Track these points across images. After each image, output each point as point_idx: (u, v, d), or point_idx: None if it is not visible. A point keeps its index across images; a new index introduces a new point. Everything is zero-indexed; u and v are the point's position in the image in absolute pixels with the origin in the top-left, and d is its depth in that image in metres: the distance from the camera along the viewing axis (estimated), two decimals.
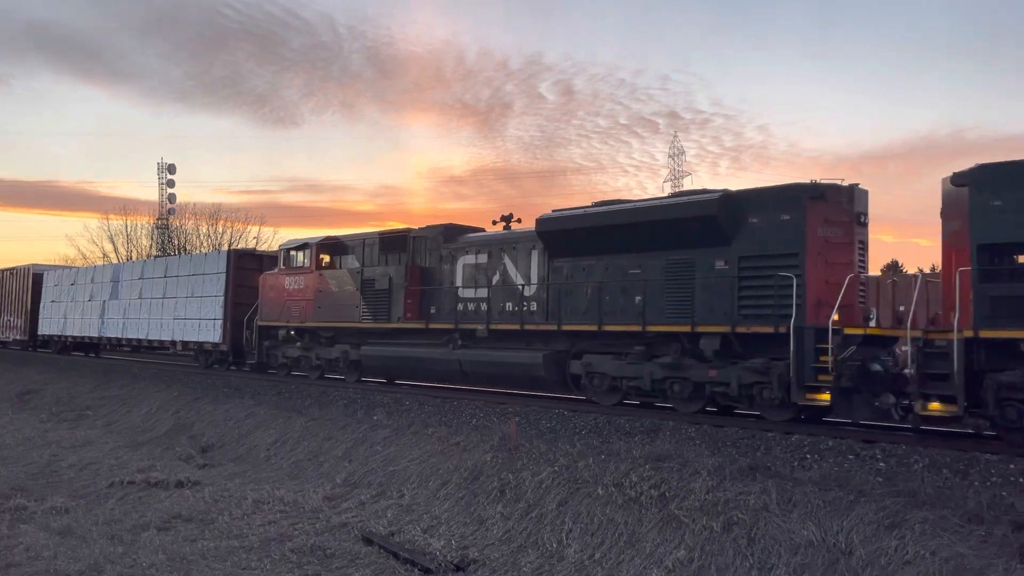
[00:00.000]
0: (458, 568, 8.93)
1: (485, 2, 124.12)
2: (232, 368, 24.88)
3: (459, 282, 17.99)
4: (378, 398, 16.58)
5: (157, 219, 63.92)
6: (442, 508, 10.96)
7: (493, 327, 16.67)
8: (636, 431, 12.28)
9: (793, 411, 12.49)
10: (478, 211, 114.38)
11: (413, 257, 19.17)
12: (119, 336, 29.86)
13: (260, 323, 22.80)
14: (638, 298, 14.47)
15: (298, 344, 21.59)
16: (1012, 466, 9.18)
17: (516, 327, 16.24)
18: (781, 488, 8.63)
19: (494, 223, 18.71)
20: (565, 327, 15.37)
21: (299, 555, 9.48)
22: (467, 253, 18.00)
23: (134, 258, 57.75)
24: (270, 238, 60.57)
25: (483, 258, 17.63)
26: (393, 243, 19.53)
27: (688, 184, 61.94)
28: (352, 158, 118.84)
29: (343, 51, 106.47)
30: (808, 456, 10.27)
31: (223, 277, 24.57)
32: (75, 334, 32.70)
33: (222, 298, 24.47)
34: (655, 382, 14.07)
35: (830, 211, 12.64)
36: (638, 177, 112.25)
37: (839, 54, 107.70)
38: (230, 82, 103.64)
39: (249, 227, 60.94)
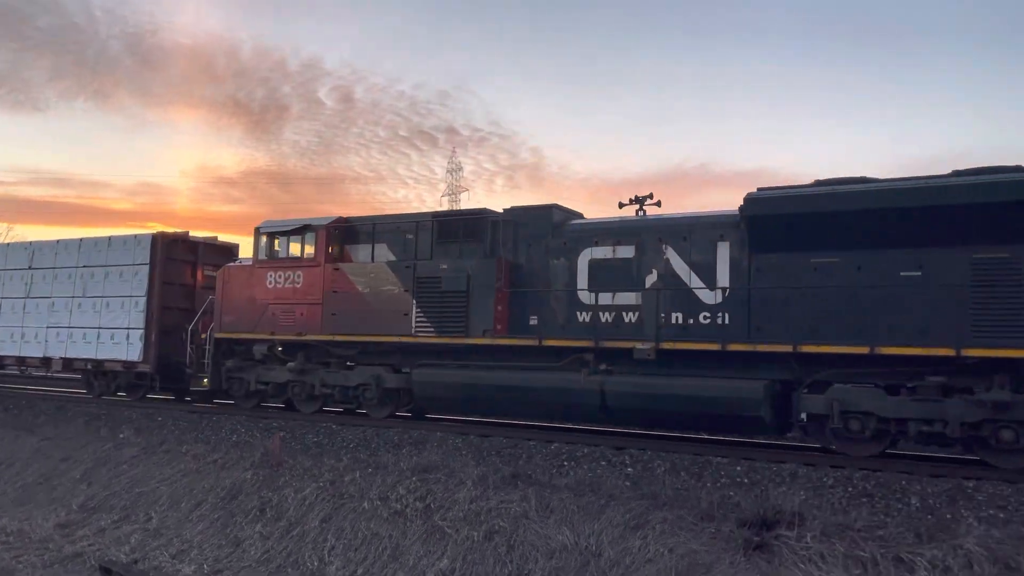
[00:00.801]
0: None
1: None
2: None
3: (584, 283, 13.13)
4: (126, 413, 15.90)
5: None
6: (195, 531, 10.55)
7: (667, 346, 12.02)
8: (404, 443, 12.31)
9: None
10: (251, 215, 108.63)
11: (492, 248, 14.01)
12: None
13: (220, 335, 16.36)
14: (924, 308, 10.57)
15: (289, 365, 15.49)
16: (738, 468, 10.20)
17: (713, 347, 11.72)
18: (540, 495, 8.99)
19: (621, 205, 14.00)
20: (804, 348, 11.09)
21: None
22: (596, 244, 13.18)
23: None
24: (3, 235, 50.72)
25: (626, 251, 12.90)
26: (462, 229, 14.25)
27: (465, 199, 60.59)
28: (107, 152, 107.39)
29: (99, 35, 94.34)
30: (566, 463, 10.86)
31: (145, 271, 17.69)
32: None
33: (144, 300, 17.59)
34: (964, 426, 10.20)
35: None
36: (417, 189, 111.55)
37: (602, 84, 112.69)
38: None
39: None
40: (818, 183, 11.73)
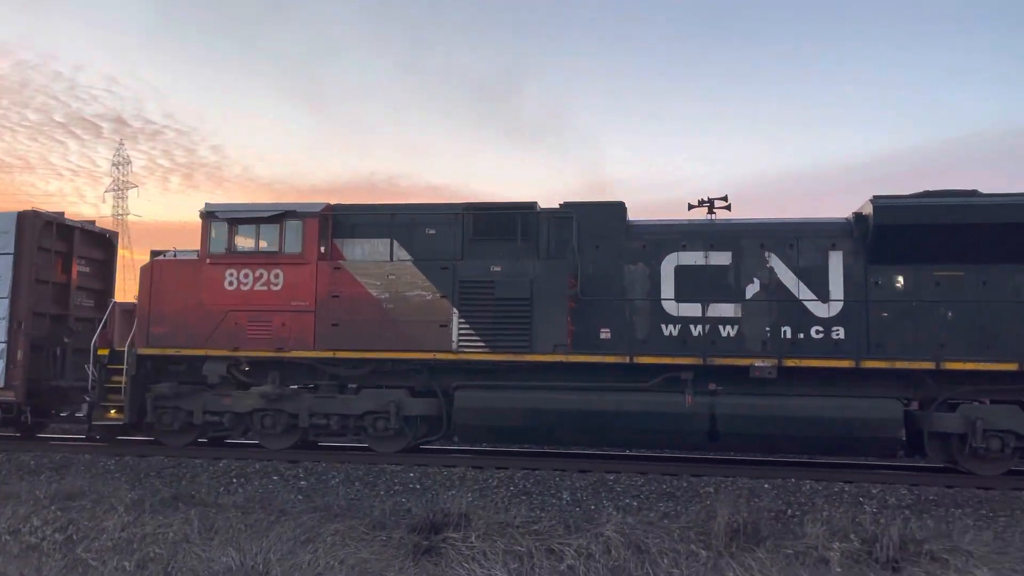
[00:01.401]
0: None
1: None
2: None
3: (669, 292, 11.60)
4: None
5: None
6: None
7: (791, 363, 10.91)
8: (44, 468, 11.35)
9: None
10: None
11: (549, 248, 11.97)
12: None
13: (146, 351, 12.32)
14: None
15: (261, 389, 12.04)
16: (411, 474, 10.54)
17: (845, 364, 10.83)
18: (204, 516, 8.66)
19: (691, 207, 12.55)
20: (949, 365, 10.60)
21: None
22: (684, 248, 11.71)
23: None
24: None
25: (721, 257, 11.61)
26: (505, 223, 12.02)
27: (133, 196, 57.04)
28: None
29: None
30: (235, 480, 10.62)
31: (8, 264, 12.91)
32: None
33: (6, 303, 12.82)
34: None
35: None
36: (75, 182, 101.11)
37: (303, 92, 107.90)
38: None
39: None
40: (928, 193, 11.39)
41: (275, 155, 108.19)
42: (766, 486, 10.03)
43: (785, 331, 11.27)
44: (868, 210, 11.26)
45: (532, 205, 12.11)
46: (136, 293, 12.92)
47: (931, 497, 9.65)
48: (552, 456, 12.42)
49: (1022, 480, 10.50)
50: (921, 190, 11.48)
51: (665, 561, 7.31)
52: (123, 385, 12.25)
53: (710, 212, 12.42)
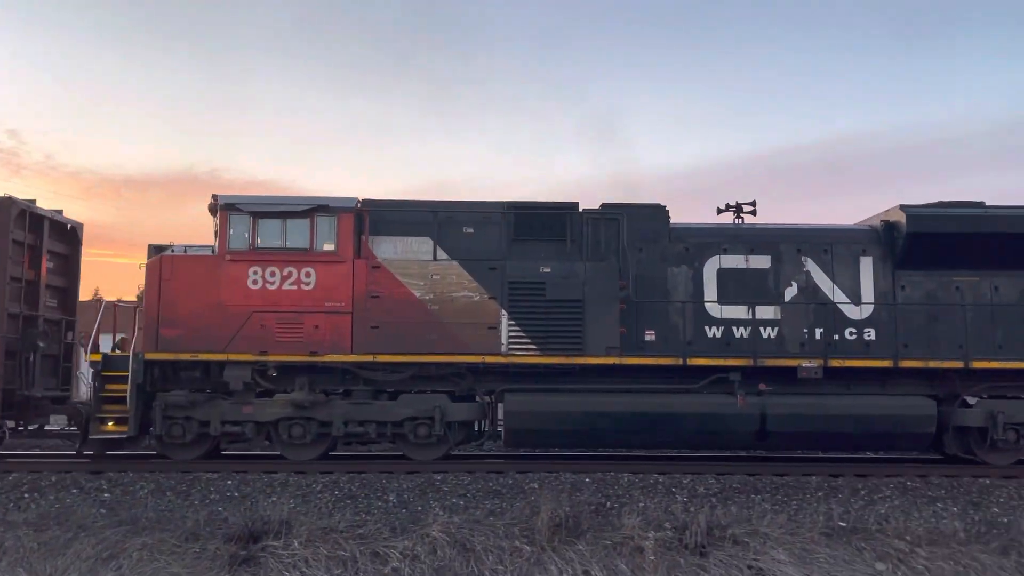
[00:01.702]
0: None
1: None
2: None
3: (713, 295, 11.79)
4: None
5: None
6: None
7: (836, 363, 11.38)
8: None
9: None
10: None
11: (592, 249, 11.87)
12: None
13: (155, 356, 11.14)
14: None
15: (292, 396, 11.19)
16: (229, 482, 10.09)
17: (884, 363, 11.41)
18: None
19: (720, 211, 12.74)
20: (977, 364, 11.41)
21: None
22: (725, 252, 11.93)
23: None
24: None
25: (761, 261, 11.92)
26: (547, 223, 11.82)
27: None
28: None
29: None
30: (27, 495, 9.74)
31: None
32: None
33: None
34: None
35: None
36: None
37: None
38: None
39: None
40: (942, 204, 12.23)
41: (84, 143, 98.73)
42: (587, 480, 10.22)
43: (820, 332, 11.75)
44: (896, 217, 11.93)
45: (575, 205, 11.96)
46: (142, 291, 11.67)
47: (735, 485, 10.19)
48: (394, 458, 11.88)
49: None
50: (935, 200, 12.33)
51: (490, 558, 7.52)
52: (127, 394, 11.02)
53: (737, 216, 12.76)
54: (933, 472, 10.90)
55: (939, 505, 9.38)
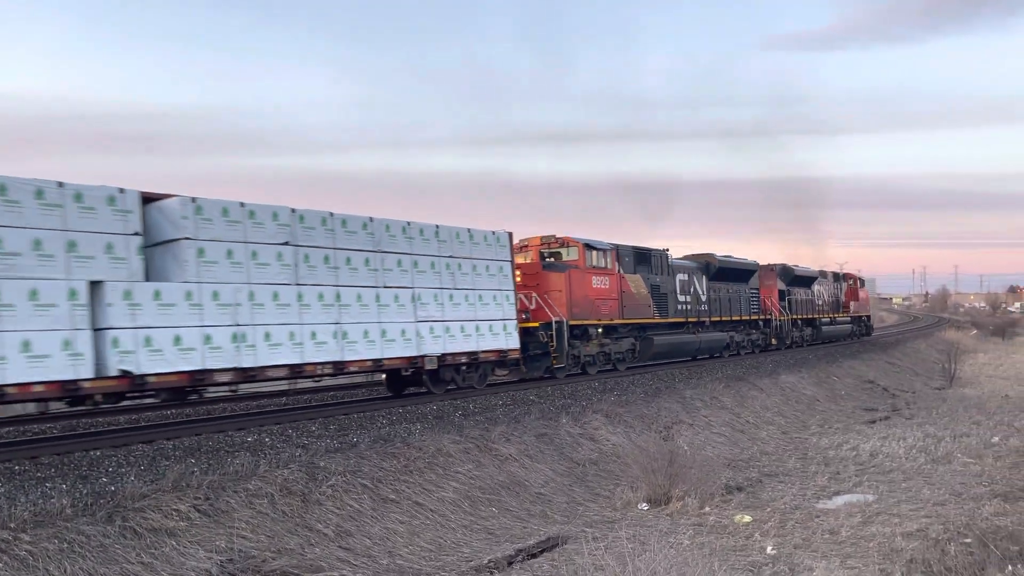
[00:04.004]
0: None
1: None
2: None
3: (677, 293, 27.46)
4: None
5: None
6: None
7: (693, 319, 28.40)
8: None
9: None
10: None
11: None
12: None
13: (572, 322, 21.10)
14: None
15: (604, 339, 22.85)
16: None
17: (716, 319, 28.96)
18: None
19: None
20: (749, 318, 29.85)
21: None
22: (687, 273, 27.66)
23: None
24: None
25: (682, 277, 28.05)
26: (644, 257, 25.83)
27: None
28: None
29: None
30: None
31: (508, 267, 19.24)
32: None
33: (512, 293, 19.24)
34: None
35: None
36: None
37: None
38: None
39: None
40: (707, 254, 30.38)
41: None
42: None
43: (698, 307, 28.43)
44: (711, 259, 29.41)
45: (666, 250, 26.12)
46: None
47: None
48: None
49: None
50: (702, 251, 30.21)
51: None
52: (563, 343, 20.76)
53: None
54: (43, 452, 10.38)
55: (48, 485, 8.60)
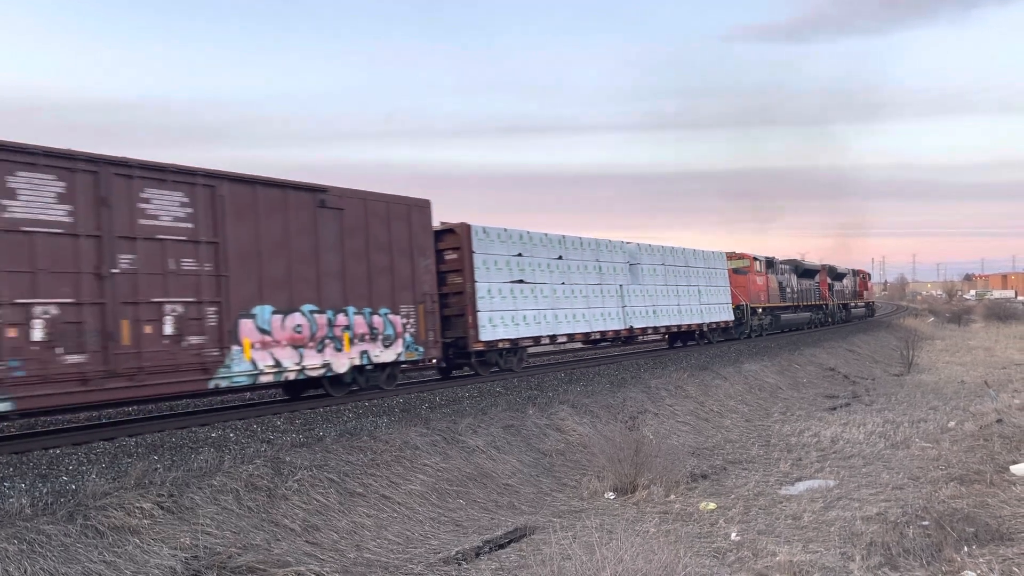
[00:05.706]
0: None
1: None
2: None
3: None
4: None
5: None
6: None
7: None
8: None
9: None
10: None
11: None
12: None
13: (753, 305, 32.03)
14: None
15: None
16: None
17: None
18: None
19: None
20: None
21: None
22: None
23: None
24: None
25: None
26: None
27: None
28: None
29: None
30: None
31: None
32: None
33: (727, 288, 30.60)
34: None
35: None
36: None
37: None
38: None
39: None
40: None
41: None
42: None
43: None
44: (798, 263, 32.59)
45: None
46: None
47: None
48: None
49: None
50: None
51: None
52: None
53: None
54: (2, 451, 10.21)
55: (6, 484, 8.49)
